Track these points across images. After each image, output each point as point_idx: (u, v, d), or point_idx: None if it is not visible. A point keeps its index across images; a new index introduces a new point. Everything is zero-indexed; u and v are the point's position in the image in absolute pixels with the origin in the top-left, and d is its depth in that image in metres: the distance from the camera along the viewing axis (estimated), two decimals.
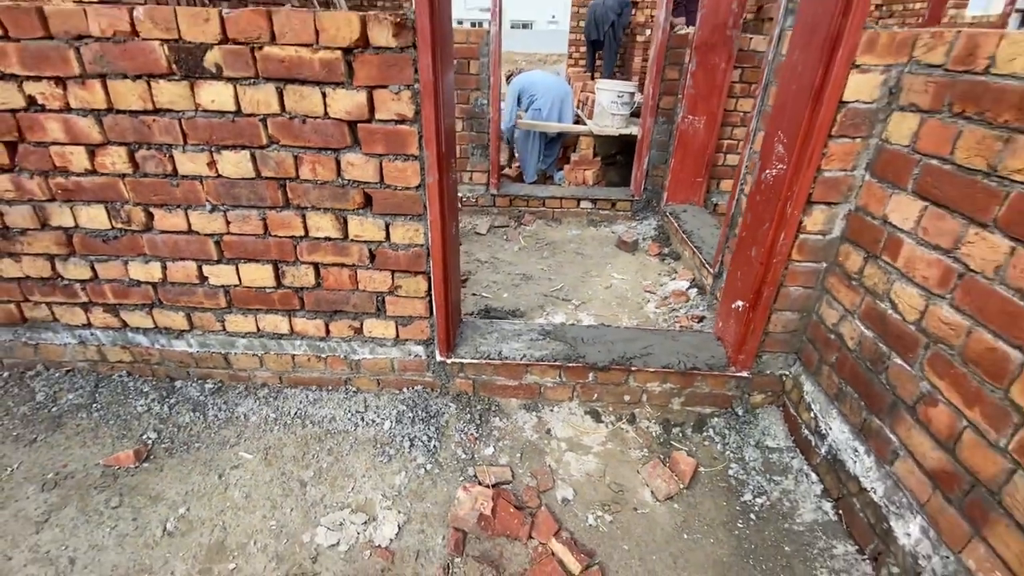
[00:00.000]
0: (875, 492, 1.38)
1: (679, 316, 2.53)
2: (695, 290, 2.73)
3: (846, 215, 1.53)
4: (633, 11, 6.71)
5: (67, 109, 1.49)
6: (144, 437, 1.76)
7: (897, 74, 1.32)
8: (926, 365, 1.23)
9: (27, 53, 1.42)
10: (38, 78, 1.46)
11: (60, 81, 1.46)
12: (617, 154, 4.72)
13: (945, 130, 1.19)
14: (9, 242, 1.72)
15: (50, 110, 1.50)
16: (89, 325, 1.89)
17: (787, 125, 1.50)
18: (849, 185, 1.48)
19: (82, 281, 1.79)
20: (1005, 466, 1.02)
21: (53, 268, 1.77)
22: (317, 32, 1.35)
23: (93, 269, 1.76)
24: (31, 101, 1.49)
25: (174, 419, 1.84)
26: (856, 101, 1.37)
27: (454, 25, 1.71)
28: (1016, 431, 1.00)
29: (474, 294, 2.79)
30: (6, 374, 1.99)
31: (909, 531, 1.25)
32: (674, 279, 2.92)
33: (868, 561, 1.41)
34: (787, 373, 1.84)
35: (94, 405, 1.88)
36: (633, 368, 1.84)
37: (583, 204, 3.85)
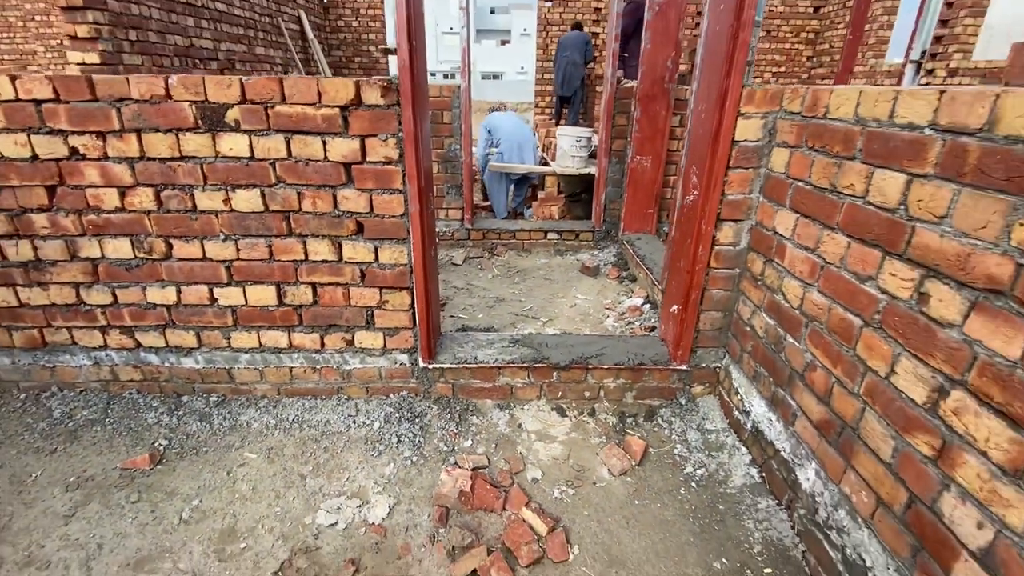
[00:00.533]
0: (784, 451, 1.68)
1: (634, 327, 2.86)
2: (648, 305, 3.07)
3: (749, 229, 1.90)
4: (594, 64, 7.41)
5: (104, 157, 1.78)
6: (156, 444, 1.96)
7: (772, 119, 1.73)
8: (807, 340, 1.56)
9: (74, 113, 1.72)
10: (82, 132, 1.75)
11: (101, 135, 1.75)
12: (582, 192, 5.17)
13: (805, 160, 1.57)
14: (40, 272, 1.95)
15: (89, 158, 1.78)
16: (105, 347, 2.10)
17: (698, 160, 1.89)
18: (748, 205, 1.86)
19: (102, 306, 2.02)
20: (859, 406, 1.34)
21: (77, 295, 2.00)
22: (320, 94, 1.69)
23: (114, 295, 2.00)
24: (73, 151, 1.77)
25: (183, 428, 2.04)
26: (745, 140, 1.76)
27: (430, 79, 2.08)
28: (863, 378, 1.33)
29: (452, 316, 3.07)
30: (23, 395, 2.17)
31: (808, 476, 1.55)
32: (630, 297, 3.27)
33: (784, 509, 1.69)
34: (719, 365, 2.17)
35: (107, 419, 2.07)
36: (590, 366, 2.14)
37: (550, 236, 4.23)
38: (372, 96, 1.70)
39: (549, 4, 8.25)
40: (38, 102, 1.71)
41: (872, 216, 1.28)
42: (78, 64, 3.87)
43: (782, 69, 8.97)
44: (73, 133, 1.75)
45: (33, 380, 2.17)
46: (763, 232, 1.82)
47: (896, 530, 1.20)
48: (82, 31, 3.83)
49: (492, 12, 58.61)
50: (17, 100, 1.71)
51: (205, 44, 5.22)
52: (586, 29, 7.45)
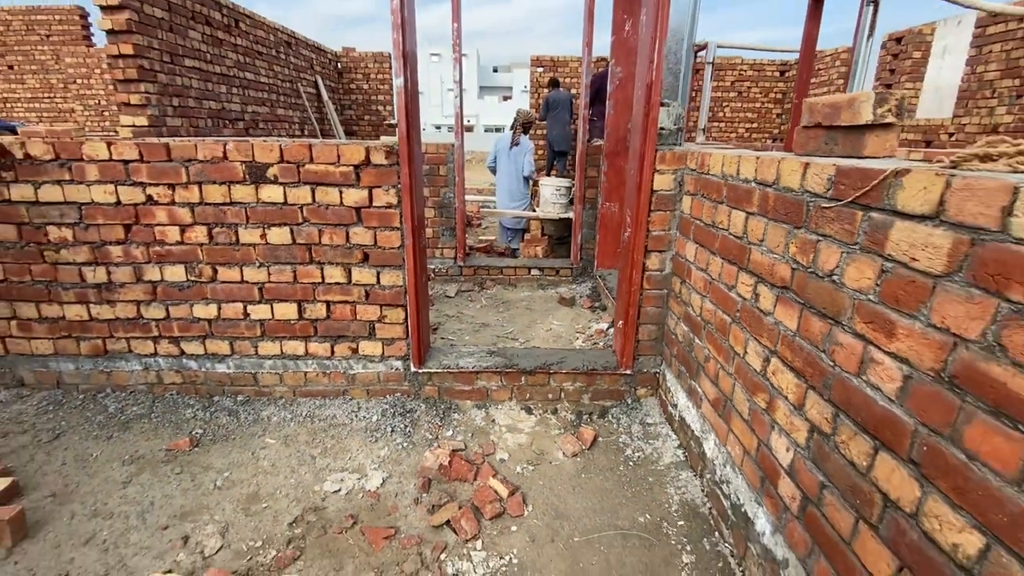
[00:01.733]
0: (696, 429, 2.12)
1: (598, 346, 3.32)
2: (612, 329, 3.54)
3: (671, 258, 2.41)
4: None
5: (172, 203, 2.33)
6: (193, 432, 2.40)
7: (681, 174, 2.28)
8: (705, 338, 2.04)
9: (153, 169, 2.28)
10: (157, 184, 2.30)
11: (171, 186, 2.30)
12: (564, 234, 5.74)
13: (700, 204, 2.10)
14: (110, 292, 2.46)
15: (160, 203, 2.33)
16: (155, 354, 2.58)
17: (631, 204, 2.43)
18: (668, 239, 2.38)
19: (157, 320, 2.51)
20: (731, 382, 1.80)
21: (138, 311, 2.50)
22: (339, 156, 2.25)
23: (167, 310, 2.50)
24: (149, 198, 2.32)
25: (215, 421, 2.49)
26: (661, 190, 2.30)
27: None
28: (733, 360, 1.79)
29: (443, 338, 3.54)
30: (82, 396, 2.62)
31: (710, 446, 1.99)
32: (599, 323, 3.74)
33: (698, 478, 2.11)
34: (658, 370, 2.62)
35: (152, 414, 2.52)
36: (552, 371, 2.60)
37: (533, 272, 4.76)
38: (378, 158, 2.26)
39: (541, 69, 9.19)
40: (126, 161, 2.27)
41: (732, 242, 1.79)
42: (128, 126, 4.54)
43: (754, 125, 9.80)
44: (150, 184, 2.30)
45: (91, 383, 2.63)
46: (680, 259, 2.33)
47: (753, 470, 1.63)
48: (134, 99, 4.52)
49: (495, 71, 61.94)
50: (110, 160, 2.27)
51: (234, 107, 5.97)
52: (561, 87, 8.31)
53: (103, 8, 4.30)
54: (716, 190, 1.93)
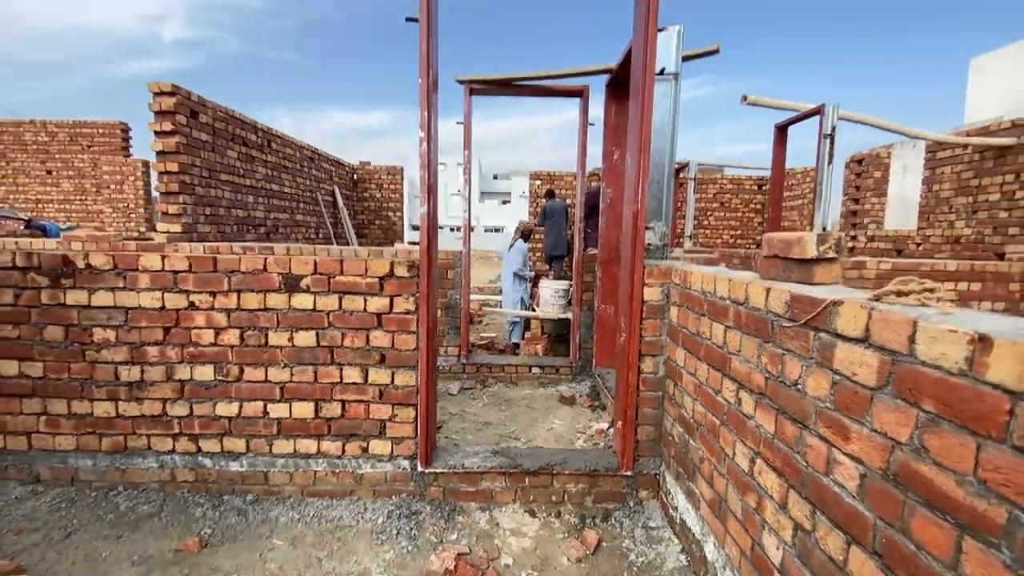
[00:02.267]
0: (696, 532, 2.18)
1: (599, 447, 3.40)
2: (612, 429, 3.64)
3: (664, 362, 2.62)
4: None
5: (211, 308, 2.58)
6: (202, 532, 2.43)
7: (667, 287, 2.57)
8: (699, 440, 2.19)
9: (199, 279, 2.56)
10: (200, 292, 2.57)
11: (213, 293, 2.57)
12: (564, 332, 5.99)
13: (685, 315, 2.36)
14: (140, 390, 2.62)
15: (200, 309, 2.58)
16: (172, 451, 2.67)
17: (625, 312, 2.69)
18: (660, 344, 2.61)
19: (180, 417, 2.65)
20: (725, 483, 1.92)
21: (163, 408, 2.64)
22: (367, 269, 2.55)
23: (191, 408, 2.64)
24: (191, 304, 2.58)
25: (224, 521, 2.52)
26: (650, 300, 2.58)
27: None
28: (724, 461, 1.93)
29: (446, 437, 3.62)
30: (94, 493, 2.67)
31: (710, 549, 2.05)
32: (599, 422, 3.85)
33: None
34: (658, 472, 2.71)
35: (163, 512, 2.55)
36: (555, 472, 2.68)
37: (534, 370, 4.92)
38: (401, 270, 2.56)
39: (539, 182, 10.07)
40: (176, 272, 2.56)
41: (715, 351, 2.02)
42: (164, 232, 4.96)
43: (738, 232, 10.52)
44: (194, 292, 2.57)
45: (106, 480, 2.69)
46: (672, 364, 2.54)
47: (749, 570, 1.71)
48: (172, 209, 4.99)
49: (495, 177, 66.49)
50: (162, 270, 2.56)
51: (258, 214, 6.51)
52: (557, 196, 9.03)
53: (157, 133, 4.92)
54: (698, 304, 2.20)
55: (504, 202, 59.20)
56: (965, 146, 6.14)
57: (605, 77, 4.34)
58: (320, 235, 8.32)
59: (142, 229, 11.10)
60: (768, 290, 1.63)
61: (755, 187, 10.46)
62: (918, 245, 6.86)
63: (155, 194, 11.21)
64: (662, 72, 3.03)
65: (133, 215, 11.06)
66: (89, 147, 11.54)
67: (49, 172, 11.60)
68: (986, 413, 0.88)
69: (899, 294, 1.24)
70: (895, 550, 1.07)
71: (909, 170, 10.17)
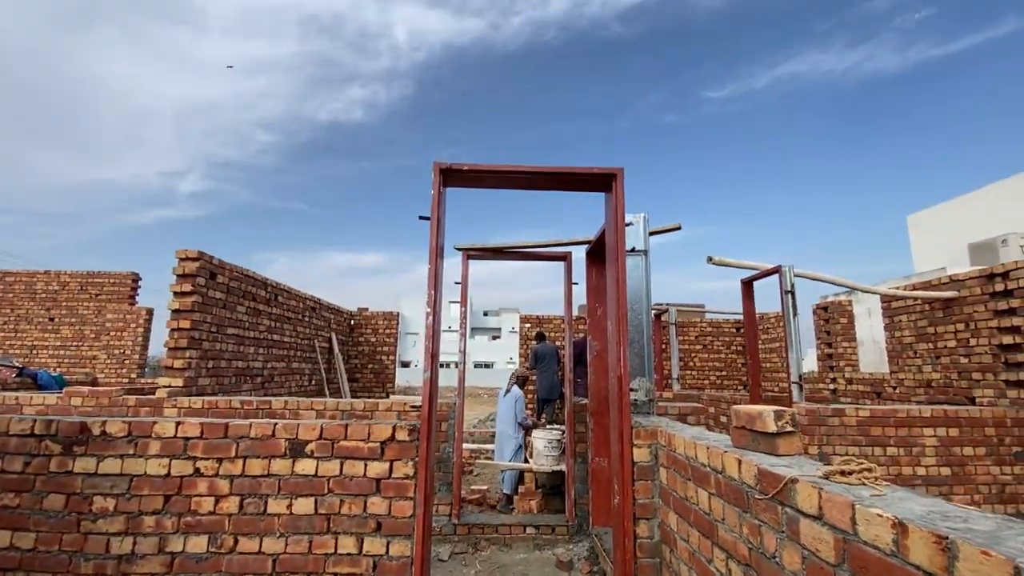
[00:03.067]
0: None
1: None
2: None
3: (658, 525, 2.66)
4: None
5: (215, 475, 2.65)
6: None
7: (655, 448, 2.73)
8: None
9: (208, 445, 2.68)
10: (207, 458, 2.67)
11: (219, 459, 2.67)
12: (559, 483, 5.85)
13: (673, 478, 2.49)
14: (129, 564, 2.56)
15: (205, 475, 2.65)
16: None
17: (617, 473, 2.80)
18: (653, 507, 2.68)
19: None
20: None
21: None
22: (370, 433, 2.70)
23: None
24: (196, 471, 2.66)
25: None
26: (640, 461, 2.72)
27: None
28: None
29: None
30: None
31: None
32: None
33: None
34: None
35: None
36: None
37: (529, 530, 4.73)
38: (402, 435, 2.71)
39: (528, 325, 10.54)
40: (187, 438, 2.68)
41: (703, 517, 2.13)
42: (166, 387, 5.08)
43: (723, 373, 10.79)
44: (201, 458, 2.67)
45: None
46: (666, 528, 2.58)
47: None
48: (178, 363, 5.18)
49: (485, 314, 68.37)
50: (174, 437, 2.68)
51: (256, 364, 6.69)
52: (547, 338, 9.40)
53: (176, 293, 5.32)
54: (684, 468, 2.35)
55: (494, 337, 60.12)
56: (916, 298, 6.77)
57: (585, 245, 4.97)
58: (313, 382, 8.41)
59: (134, 375, 11.11)
60: (739, 462, 1.82)
61: (734, 330, 11.01)
62: (894, 388, 7.12)
63: (162, 348, 11.44)
64: (632, 250, 3.55)
65: (127, 361, 11.13)
66: (97, 295, 12.03)
67: (52, 319, 11.90)
68: None
69: (843, 473, 1.45)
70: None
71: (874, 313, 10.90)
